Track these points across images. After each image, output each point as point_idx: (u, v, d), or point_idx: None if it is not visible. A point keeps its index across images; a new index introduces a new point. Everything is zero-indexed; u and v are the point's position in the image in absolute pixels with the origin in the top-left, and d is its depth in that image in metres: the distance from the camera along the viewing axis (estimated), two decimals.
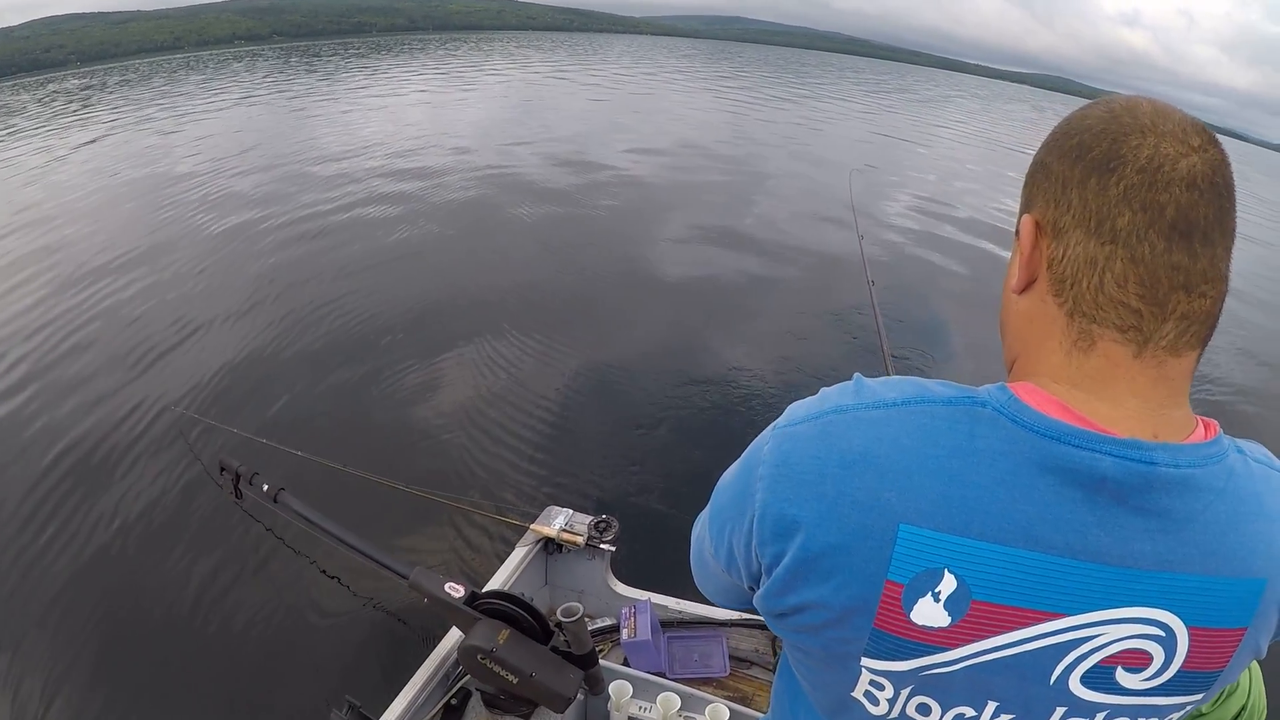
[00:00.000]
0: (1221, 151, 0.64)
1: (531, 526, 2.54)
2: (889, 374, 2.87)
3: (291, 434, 4.39)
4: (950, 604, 0.62)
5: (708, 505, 0.80)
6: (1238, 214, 0.63)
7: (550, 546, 2.57)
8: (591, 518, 2.52)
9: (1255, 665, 1.58)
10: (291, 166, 12.27)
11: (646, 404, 5.24)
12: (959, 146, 23.47)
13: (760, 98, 31.88)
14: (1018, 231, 0.70)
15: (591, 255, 8.25)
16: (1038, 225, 0.68)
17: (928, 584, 0.61)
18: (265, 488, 2.70)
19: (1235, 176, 0.65)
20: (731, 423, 4.94)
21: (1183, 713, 0.69)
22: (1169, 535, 0.61)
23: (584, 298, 7.04)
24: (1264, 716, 1.57)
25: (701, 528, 0.83)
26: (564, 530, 2.48)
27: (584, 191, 11.21)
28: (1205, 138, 0.63)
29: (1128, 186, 0.62)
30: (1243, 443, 0.71)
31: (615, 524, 2.50)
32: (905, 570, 0.61)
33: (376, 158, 12.81)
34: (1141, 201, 0.61)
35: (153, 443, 4.55)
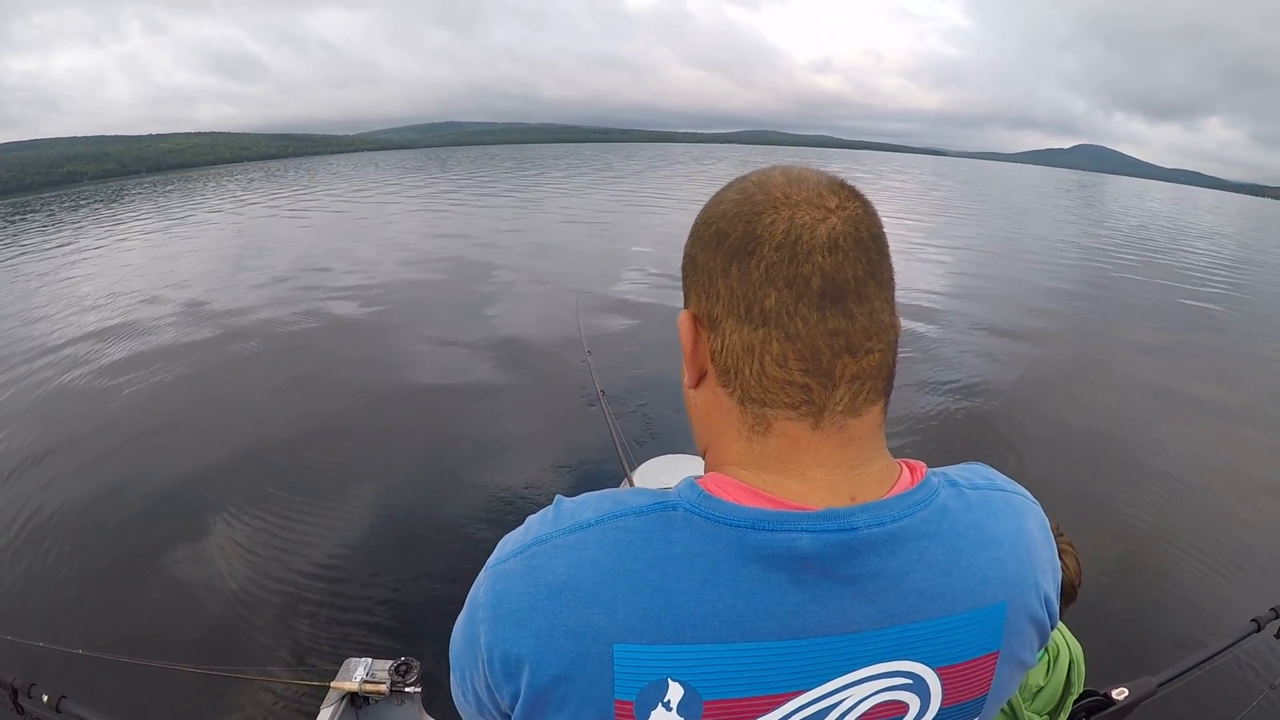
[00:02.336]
0: (862, 204, 0.66)
1: (332, 684, 2.48)
2: (627, 472, 3.16)
3: (61, 631, 4.03)
4: (683, 709, 0.61)
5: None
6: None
7: (357, 700, 2.51)
8: (391, 661, 2.49)
9: (1062, 625, 1.81)
10: None
11: (425, 527, 5.26)
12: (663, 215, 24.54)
13: (475, 202, 32.15)
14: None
15: (335, 389, 8.13)
16: (695, 319, 0.69)
17: (655, 696, 0.61)
18: (45, 698, 2.52)
19: (886, 226, 0.68)
20: (511, 523, 5.01)
21: None
22: (888, 593, 0.62)
23: (338, 432, 6.95)
24: (1083, 660, 1.77)
25: (451, 680, 0.77)
26: (366, 681, 2.45)
27: (316, 321, 11.05)
28: (843, 195, 0.65)
29: (768, 266, 0.62)
30: (957, 472, 0.72)
31: (416, 663, 2.48)
32: (630, 688, 0.61)
33: (94, 318, 11.68)
34: (785, 278, 0.62)
35: None
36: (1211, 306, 14.10)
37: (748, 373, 0.65)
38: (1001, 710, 1.64)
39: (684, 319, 0.70)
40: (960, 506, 0.67)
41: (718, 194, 0.70)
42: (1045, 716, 1.71)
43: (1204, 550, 5.08)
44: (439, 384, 8.25)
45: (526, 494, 5.70)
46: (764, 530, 0.60)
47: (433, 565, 4.77)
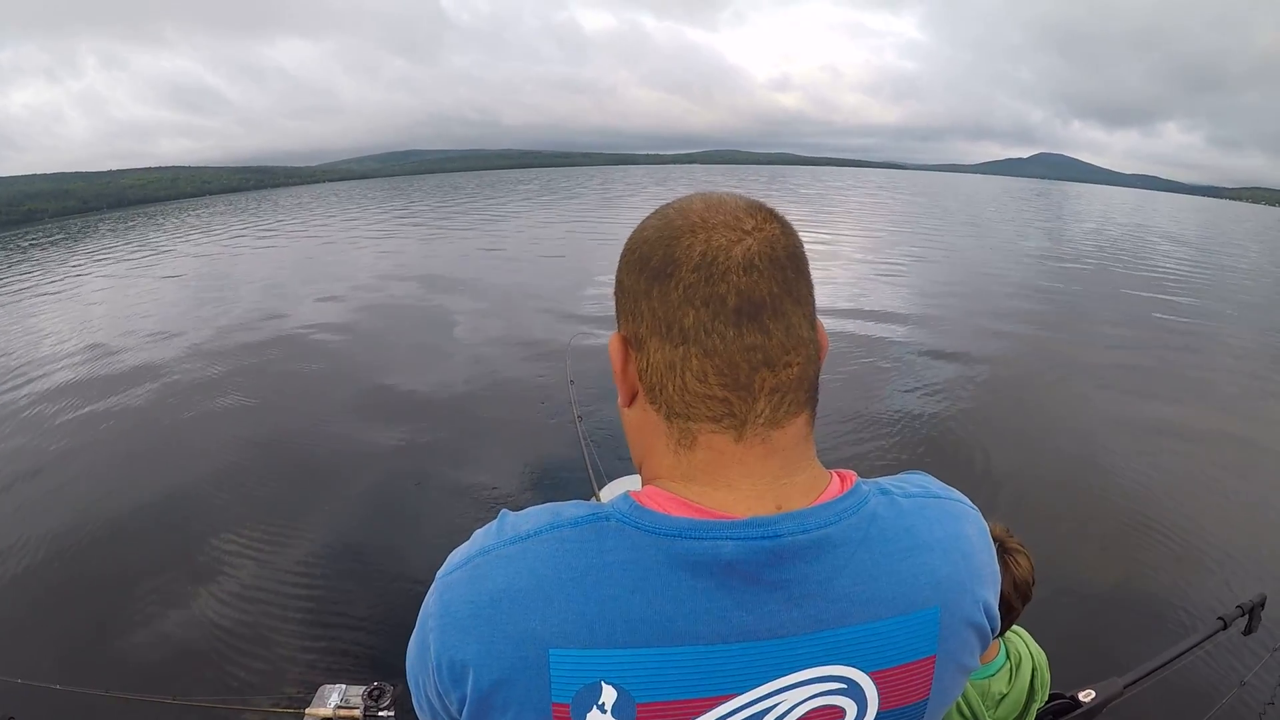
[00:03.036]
0: (779, 225, 0.68)
1: (306, 711, 2.48)
2: (596, 491, 3.21)
3: (38, 668, 3.98)
4: (617, 711, 0.63)
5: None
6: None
7: None
8: (364, 687, 2.48)
9: (1024, 632, 1.85)
10: None
11: (396, 553, 5.26)
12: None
13: (440, 235, 30.98)
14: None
15: (303, 422, 8.06)
16: (624, 341, 0.72)
17: (590, 699, 0.63)
18: None
19: (806, 245, 0.70)
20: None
21: None
22: (815, 598, 0.64)
23: (308, 463, 6.93)
24: (1046, 667, 1.80)
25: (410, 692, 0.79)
26: (340, 707, 2.44)
27: (283, 355, 10.92)
28: (760, 217, 0.68)
29: (686, 287, 0.65)
30: (891, 480, 0.75)
31: (389, 688, 2.47)
32: (565, 691, 0.63)
33: (54, 367, 11.23)
34: (702, 297, 0.65)
35: None
36: (1177, 319, 14.28)
37: (671, 389, 0.68)
38: (964, 716, 1.66)
39: (614, 341, 0.73)
40: (891, 514, 0.69)
41: (643, 221, 0.73)
42: None
43: (1171, 552, 5.16)
44: (409, 415, 8.18)
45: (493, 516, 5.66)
46: (690, 538, 0.63)
47: (404, 590, 4.74)
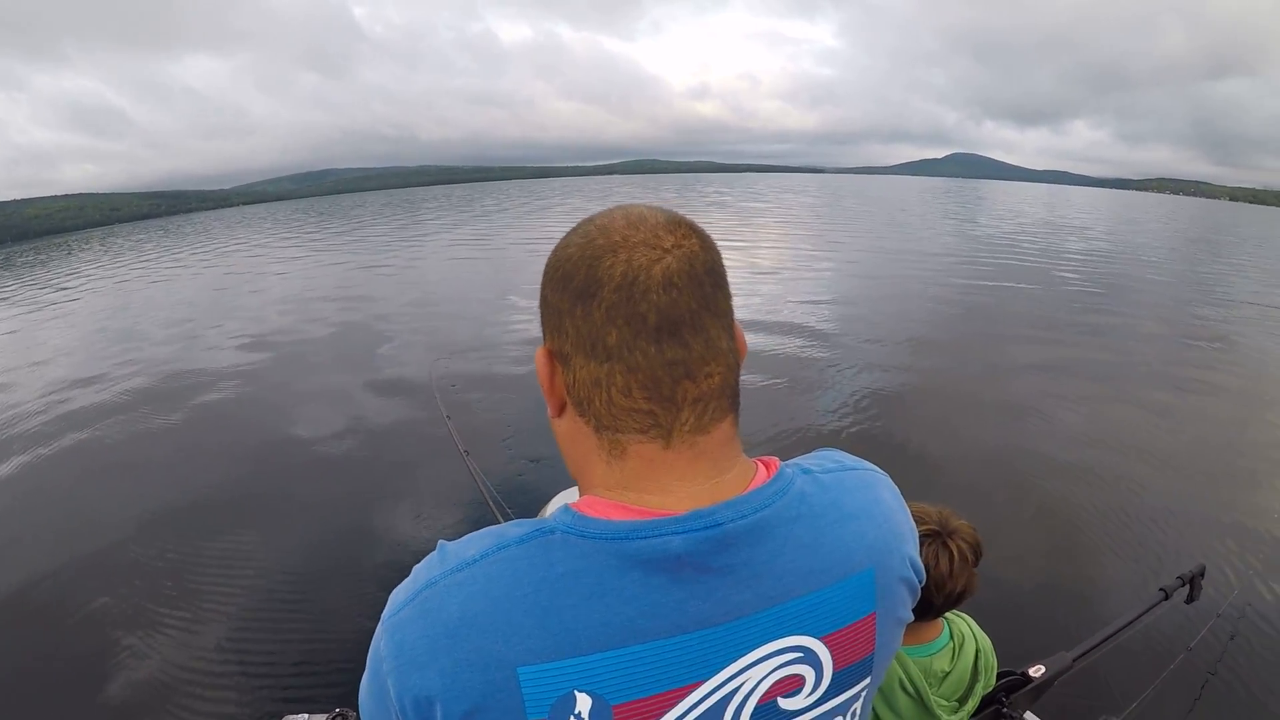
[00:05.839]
0: (698, 240, 0.71)
1: None
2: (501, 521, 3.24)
3: None
4: (594, 716, 0.65)
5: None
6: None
7: None
8: (326, 715, 2.47)
9: (968, 617, 1.87)
10: None
11: (345, 581, 5.16)
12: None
13: (327, 258, 28.49)
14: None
15: (215, 456, 7.66)
16: (550, 355, 0.75)
17: (566, 709, 0.64)
18: None
19: (724, 260, 0.73)
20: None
21: (862, 699, 0.78)
22: (762, 577, 0.68)
23: (235, 495, 6.69)
24: (991, 651, 1.82)
25: None
26: None
27: (188, 391, 10.20)
28: (680, 234, 0.70)
29: (609, 306, 0.67)
30: (809, 460, 0.81)
31: (353, 715, 2.43)
32: (540, 706, 0.64)
33: None
34: (624, 316, 0.67)
35: None
36: (1092, 293, 14.70)
37: (598, 403, 0.71)
38: (908, 695, 1.70)
39: (540, 355, 0.76)
40: (816, 490, 0.74)
41: (566, 236, 0.75)
42: (954, 703, 1.76)
43: (1110, 528, 5.30)
44: (331, 443, 7.83)
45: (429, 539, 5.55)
46: (637, 539, 0.65)
47: (363, 615, 4.66)
